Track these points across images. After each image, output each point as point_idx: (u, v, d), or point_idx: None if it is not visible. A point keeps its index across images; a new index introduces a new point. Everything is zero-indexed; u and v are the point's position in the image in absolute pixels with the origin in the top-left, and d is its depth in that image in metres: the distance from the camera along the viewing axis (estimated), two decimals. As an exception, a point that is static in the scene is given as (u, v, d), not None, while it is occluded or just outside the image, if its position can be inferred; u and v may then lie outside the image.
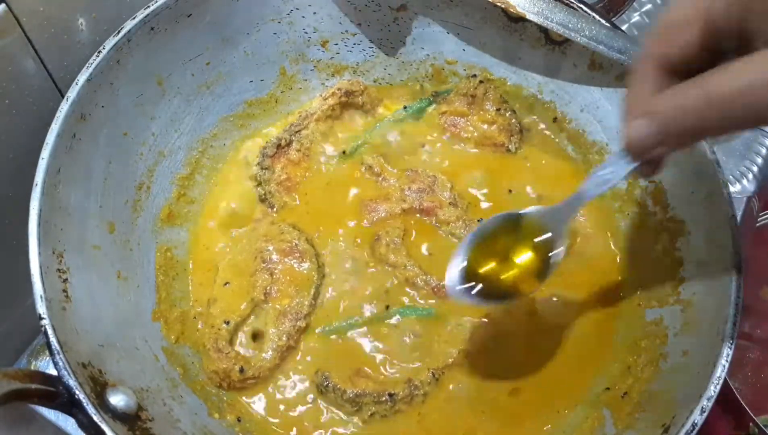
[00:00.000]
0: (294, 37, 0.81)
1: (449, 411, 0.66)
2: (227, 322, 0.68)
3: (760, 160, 0.96)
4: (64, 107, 0.61)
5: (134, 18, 0.66)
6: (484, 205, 0.78)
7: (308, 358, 0.69)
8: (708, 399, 0.55)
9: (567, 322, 0.71)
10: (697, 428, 0.54)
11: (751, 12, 0.41)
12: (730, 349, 0.56)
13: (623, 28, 0.95)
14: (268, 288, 0.70)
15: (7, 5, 0.61)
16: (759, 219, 0.88)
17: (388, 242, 0.73)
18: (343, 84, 0.82)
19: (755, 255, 0.78)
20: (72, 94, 0.62)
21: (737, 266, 0.60)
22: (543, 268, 0.61)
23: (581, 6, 0.71)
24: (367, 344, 0.69)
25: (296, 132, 0.80)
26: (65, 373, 0.51)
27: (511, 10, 0.70)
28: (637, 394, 0.63)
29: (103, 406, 0.52)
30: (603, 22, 0.70)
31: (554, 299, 0.72)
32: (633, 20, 1.09)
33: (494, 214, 0.76)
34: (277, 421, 0.66)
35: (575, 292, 0.73)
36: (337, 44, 0.83)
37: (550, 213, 0.60)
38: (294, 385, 0.68)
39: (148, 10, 0.67)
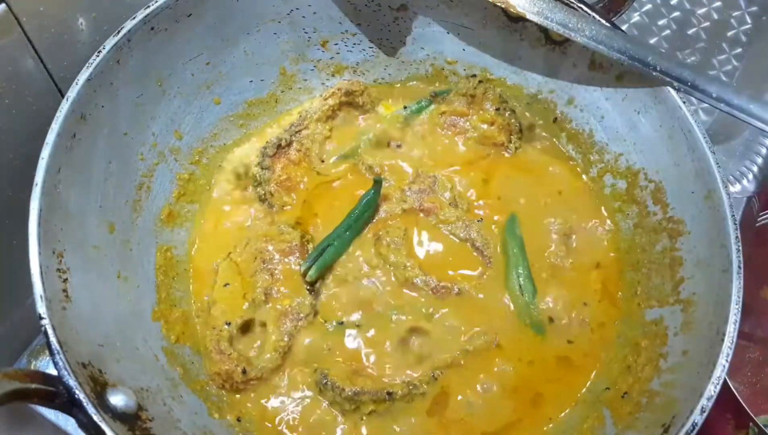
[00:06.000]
0: (294, 37, 0.81)
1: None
2: (228, 323, 0.68)
3: (760, 160, 0.96)
4: (64, 107, 0.61)
5: (134, 18, 0.66)
6: (484, 205, 0.78)
7: (308, 358, 0.69)
8: (708, 399, 0.55)
9: (567, 322, 0.71)
10: (697, 428, 0.54)
11: None
12: (730, 349, 0.56)
13: (623, 28, 0.95)
14: (269, 288, 0.70)
15: (7, 5, 0.61)
16: (759, 219, 0.88)
17: (389, 242, 0.73)
18: (343, 84, 0.82)
19: (755, 255, 0.78)
20: (72, 94, 0.62)
21: (737, 266, 0.60)
22: None
23: (581, 6, 0.71)
24: (366, 343, 0.69)
25: (296, 132, 0.80)
26: (65, 373, 0.51)
27: (511, 10, 0.70)
28: (637, 394, 0.63)
29: (103, 406, 0.52)
30: (603, 22, 0.70)
31: (554, 300, 0.72)
32: (633, 20, 1.09)
33: (494, 214, 0.77)
34: (276, 419, 0.66)
35: (575, 293, 0.73)
36: (337, 44, 0.83)
37: None
38: (293, 384, 0.67)
39: (148, 10, 0.67)
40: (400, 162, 0.80)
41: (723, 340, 0.57)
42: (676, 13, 1.10)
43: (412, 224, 0.76)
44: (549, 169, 0.81)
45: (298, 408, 0.67)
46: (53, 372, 0.51)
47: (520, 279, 0.72)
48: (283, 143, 0.79)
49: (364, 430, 0.65)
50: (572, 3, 0.71)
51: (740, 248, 0.61)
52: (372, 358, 0.68)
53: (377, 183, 0.75)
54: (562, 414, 0.67)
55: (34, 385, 0.49)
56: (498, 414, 0.67)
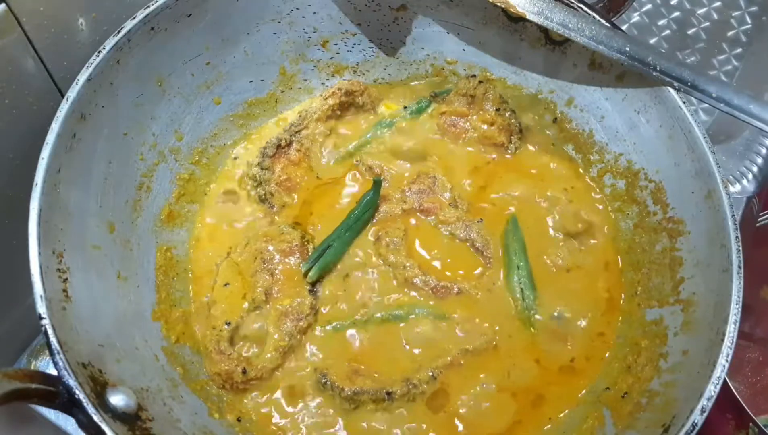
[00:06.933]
0: (294, 37, 0.81)
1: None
2: (228, 323, 0.68)
3: (760, 160, 0.96)
4: (64, 107, 0.61)
5: (134, 18, 0.66)
6: (484, 205, 0.78)
7: (308, 357, 0.69)
8: (708, 399, 0.55)
9: (567, 323, 0.71)
10: (697, 428, 0.54)
11: None
12: (730, 349, 0.56)
13: (623, 28, 0.95)
14: (269, 288, 0.70)
15: (7, 5, 0.61)
16: (759, 219, 0.88)
17: (388, 242, 0.73)
18: (343, 84, 0.82)
19: (755, 255, 0.78)
20: (72, 94, 0.62)
21: (737, 266, 0.60)
22: None
23: (581, 6, 0.71)
24: (365, 343, 0.69)
25: (296, 132, 0.80)
26: (65, 373, 0.51)
27: (511, 10, 0.70)
28: (637, 394, 0.63)
29: (103, 406, 0.52)
30: (603, 22, 0.70)
31: (554, 301, 0.72)
32: (633, 20, 1.09)
33: (494, 214, 0.76)
34: (276, 419, 0.66)
35: (575, 293, 0.73)
36: (337, 44, 0.83)
37: None
38: (293, 383, 0.67)
39: (148, 10, 0.67)
40: (400, 162, 0.80)
41: (723, 340, 0.57)
42: (676, 13, 1.10)
43: (411, 225, 0.76)
44: (549, 169, 0.81)
45: (297, 407, 0.67)
46: (53, 372, 0.51)
47: (521, 280, 0.72)
48: (283, 143, 0.79)
49: (363, 429, 0.65)
50: (572, 3, 0.71)
51: (740, 248, 0.61)
52: (371, 358, 0.68)
53: (376, 183, 0.75)
54: (562, 414, 0.67)
55: (34, 385, 0.49)
56: (498, 414, 0.67)
